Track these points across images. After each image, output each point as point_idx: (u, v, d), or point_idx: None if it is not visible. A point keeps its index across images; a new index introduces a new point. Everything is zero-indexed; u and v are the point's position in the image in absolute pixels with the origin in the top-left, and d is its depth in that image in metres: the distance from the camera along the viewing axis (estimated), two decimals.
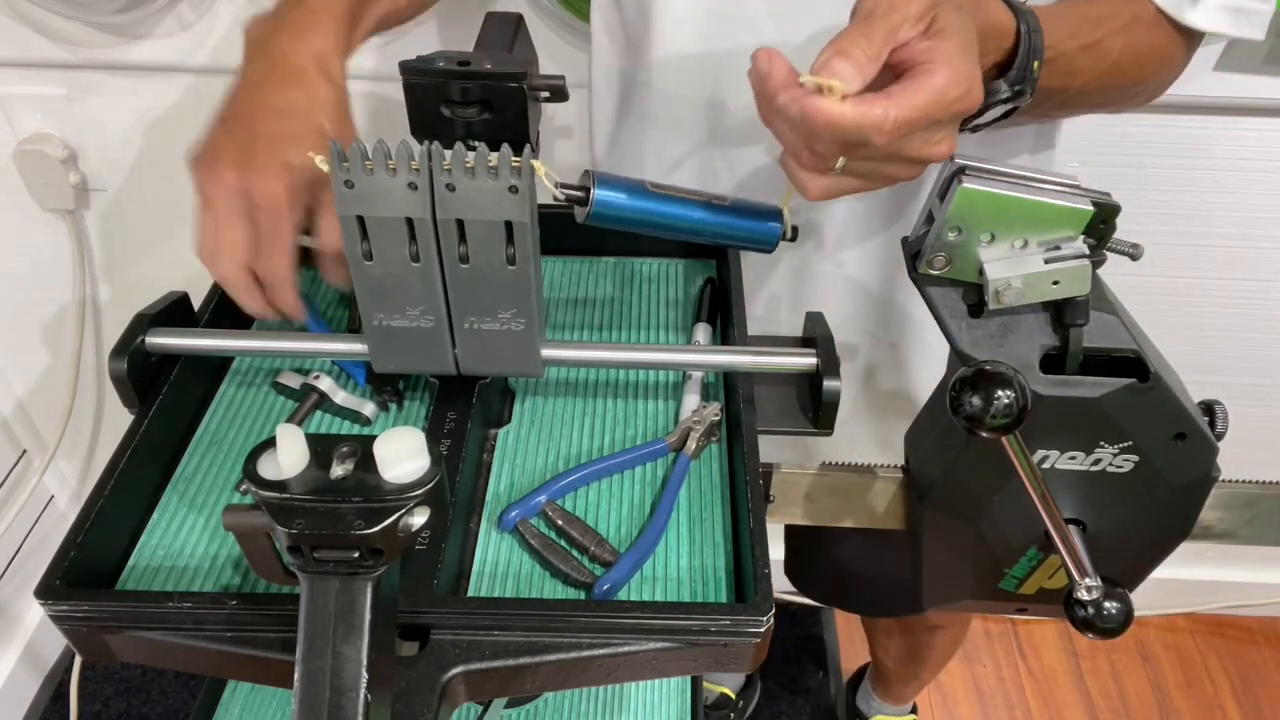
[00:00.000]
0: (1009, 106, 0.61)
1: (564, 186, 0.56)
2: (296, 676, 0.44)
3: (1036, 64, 0.61)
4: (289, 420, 0.67)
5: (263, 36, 0.64)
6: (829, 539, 0.82)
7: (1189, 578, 1.69)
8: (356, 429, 0.68)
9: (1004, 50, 0.60)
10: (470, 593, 0.58)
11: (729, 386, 0.69)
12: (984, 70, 0.55)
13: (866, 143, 0.50)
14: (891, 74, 0.52)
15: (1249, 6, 0.68)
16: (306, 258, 0.80)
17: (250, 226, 0.59)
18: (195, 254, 0.61)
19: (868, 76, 0.50)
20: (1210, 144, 1.12)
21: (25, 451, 1.53)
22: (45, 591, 0.52)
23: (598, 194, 0.58)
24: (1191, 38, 0.71)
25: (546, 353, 0.63)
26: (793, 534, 0.87)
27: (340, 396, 0.67)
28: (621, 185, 0.60)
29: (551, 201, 0.59)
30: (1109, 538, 0.63)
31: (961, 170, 0.54)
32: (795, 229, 0.65)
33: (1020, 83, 0.61)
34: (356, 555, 0.44)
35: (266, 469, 0.45)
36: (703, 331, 0.75)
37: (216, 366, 0.71)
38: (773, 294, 0.92)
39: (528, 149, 0.53)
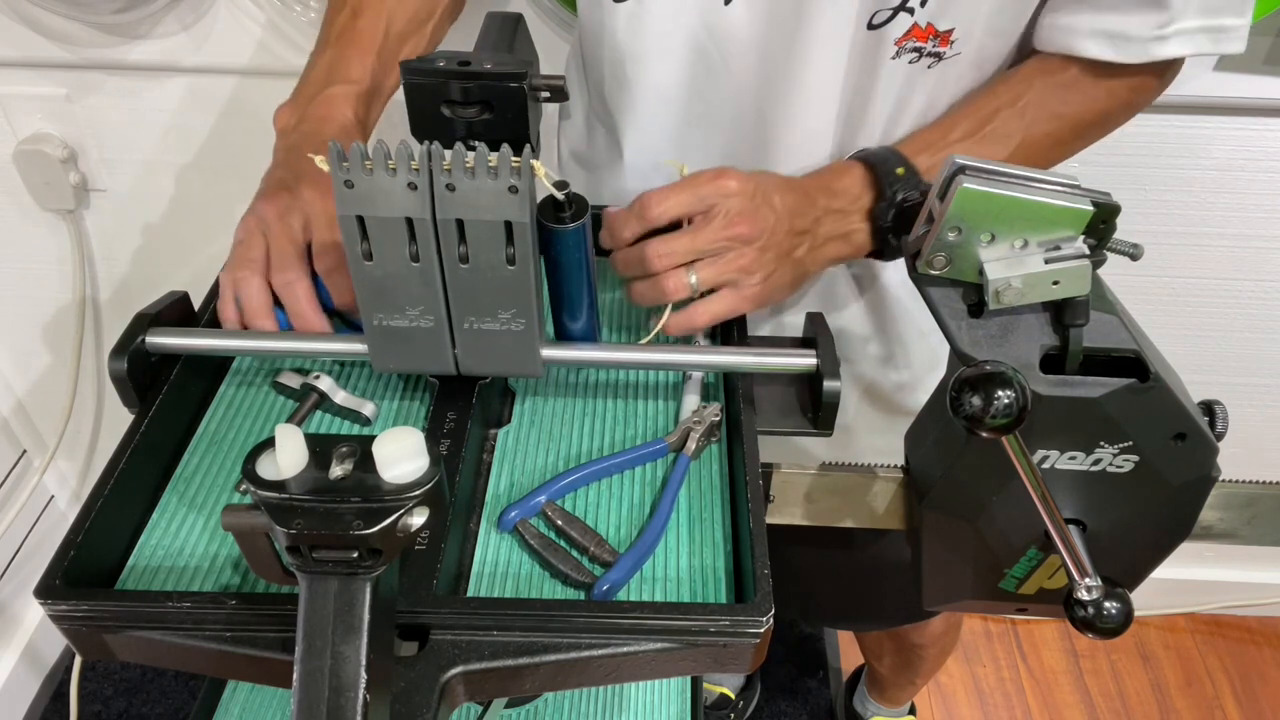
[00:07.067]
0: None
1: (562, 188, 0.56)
2: (295, 676, 0.44)
3: (900, 196, 0.68)
4: (289, 420, 0.67)
5: (288, 124, 0.72)
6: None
7: (1189, 578, 1.69)
8: (356, 429, 0.68)
9: (868, 201, 0.70)
10: (470, 593, 0.58)
11: (729, 386, 0.69)
12: (855, 224, 0.70)
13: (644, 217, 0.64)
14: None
15: (1227, 24, 0.67)
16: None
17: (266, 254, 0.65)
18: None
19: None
20: (1210, 144, 1.12)
21: (25, 451, 1.53)
22: (45, 591, 0.52)
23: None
24: (1164, 67, 0.71)
25: (546, 353, 0.63)
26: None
27: (340, 396, 0.67)
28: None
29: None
30: (1109, 538, 0.63)
31: (961, 170, 0.53)
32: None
33: (884, 217, 0.69)
34: (355, 555, 0.44)
35: (266, 469, 0.45)
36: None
37: (216, 366, 0.71)
38: None
39: (527, 149, 0.53)
